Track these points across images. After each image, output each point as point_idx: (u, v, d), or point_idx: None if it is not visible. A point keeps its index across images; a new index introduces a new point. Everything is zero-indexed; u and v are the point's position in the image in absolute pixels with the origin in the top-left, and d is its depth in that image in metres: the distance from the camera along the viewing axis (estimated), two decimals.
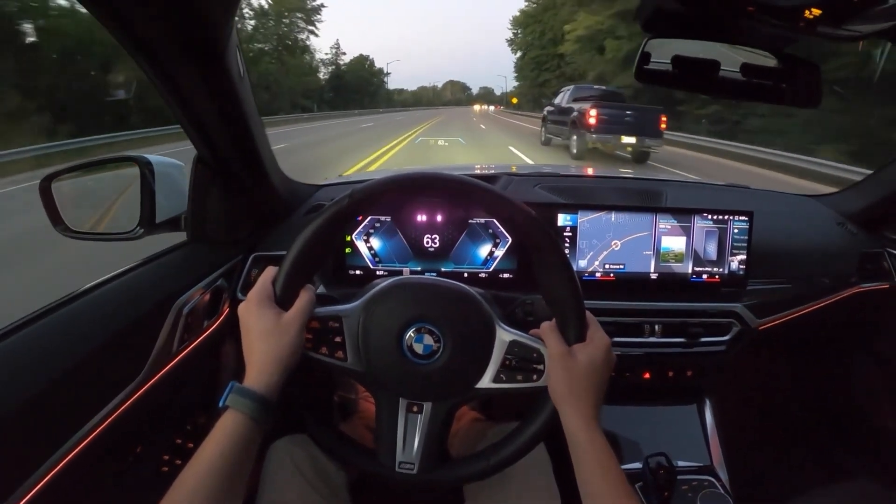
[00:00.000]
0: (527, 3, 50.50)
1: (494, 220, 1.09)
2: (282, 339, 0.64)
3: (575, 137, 10.44)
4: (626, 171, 2.23)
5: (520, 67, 57.57)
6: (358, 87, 68.35)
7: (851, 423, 1.51)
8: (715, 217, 1.11)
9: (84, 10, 0.61)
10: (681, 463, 1.10)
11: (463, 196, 0.68)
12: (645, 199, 1.33)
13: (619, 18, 21.21)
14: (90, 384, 0.69)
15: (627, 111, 9.91)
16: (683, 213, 1.11)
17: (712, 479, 1.11)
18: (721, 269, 1.13)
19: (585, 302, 0.68)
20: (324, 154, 11.57)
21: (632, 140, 9.72)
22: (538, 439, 0.70)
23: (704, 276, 1.13)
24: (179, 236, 1.02)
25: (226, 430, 0.58)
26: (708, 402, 1.25)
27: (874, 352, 1.46)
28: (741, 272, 1.13)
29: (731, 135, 13.00)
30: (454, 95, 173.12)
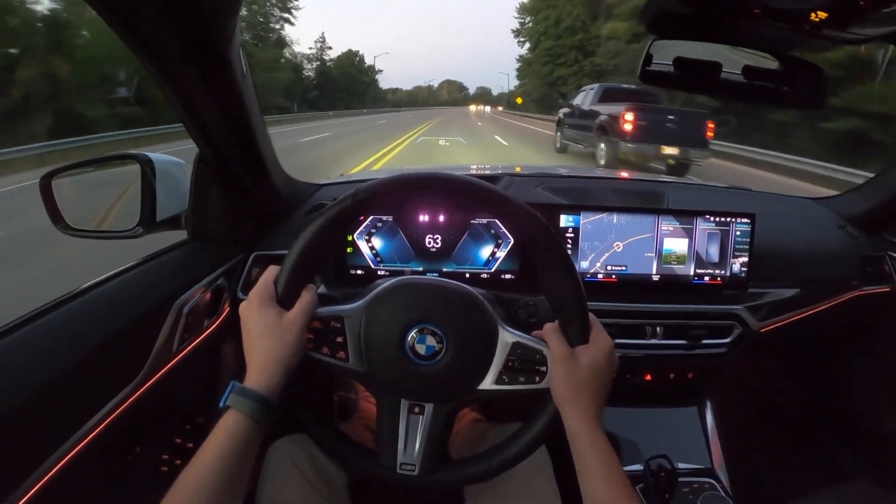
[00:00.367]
0: None
1: (496, 221, 1.08)
2: (283, 339, 0.63)
3: (603, 146, 8.65)
4: (629, 173, 2.23)
5: (528, 62, 49.96)
6: (346, 86, 62.54)
7: (852, 425, 1.51)
8: (717, 219, 1.11)
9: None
10: (681, 465, 1.10)
11: (465, 196, 0.68)
12: (647, 201, 1.33)
13: None
14: (90, 383, 0.68)
15: (669, 115, 8.24)
16: (685, 215, 1.10)
17: (713, 482, 1.11)
18: (723, 272, 1.13)
19: (587, 304, 0.68)
20: None
21: (674, 151, 7.94)
22: (540, 441, 0.70)
23: (706, 279, 1.13)
24: (180, 235, 1.02)
25: (226, 430, 0.58)
26: (709, 405, 1.25)
27: (875, 354, 1.46)
28: (743, 274, 1.13)
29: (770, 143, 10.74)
30: (450, 95, 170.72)
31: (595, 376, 0.65)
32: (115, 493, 0.79)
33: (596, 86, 10.48)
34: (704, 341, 1.12)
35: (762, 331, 1.15)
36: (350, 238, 1.08)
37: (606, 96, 9.55)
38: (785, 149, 9.96)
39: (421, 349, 0.68)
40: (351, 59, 68.78)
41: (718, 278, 1.13)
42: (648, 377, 1.19)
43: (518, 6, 49.87)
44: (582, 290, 0.67)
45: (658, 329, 1.11)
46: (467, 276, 1.09)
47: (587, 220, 1.09)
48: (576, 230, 1.10)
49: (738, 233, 1.12)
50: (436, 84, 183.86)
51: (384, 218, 1.08)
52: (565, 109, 11.35)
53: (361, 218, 1.07)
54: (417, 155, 11.80)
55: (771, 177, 9.13)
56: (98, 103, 13.96)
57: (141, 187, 0.92)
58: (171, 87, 0.76)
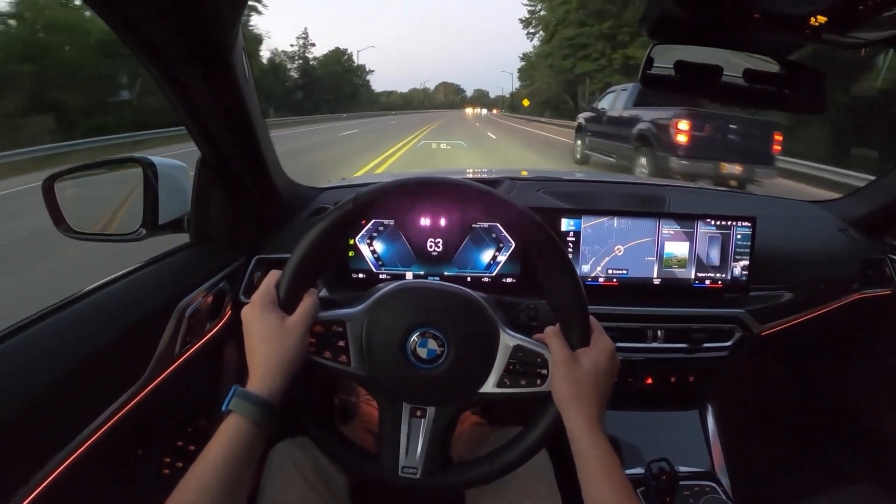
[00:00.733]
0: None
1: (498, 225, 1.08)
2: (285, 344, 0.63)
3: (645, 160, 7.05)
4: (630, 177, 2.24)
5: (541, 56, 41.04)
6: (333, 87, 55.24)
7: (853, 428, 1.51)
8: (718, 223, 1.11)
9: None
10: (683, 468, 1.10)
11: (466, 200, 0.68)
12: (648, 205, 1.33)
13: None
14: (92, 386, 0.68)
15: (732, 125, 6.49)
16: (687, 219, 1.11)
17: (714, 485, 1.11)
18: (724, 275, 1.13)
19: (588, 307, 0.68)
20: None
21: (736, 170, 6.35)
22: (542, 444, 0.70)
23: (707, 282, 1.13)
24: (182, 238, 1.02)
25: (229, 434, 0.58)
26: (710, 408, 1.25)
27: (876, 357, 1.46)
28: (744, 278, 1.13)
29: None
30: (447, 98, 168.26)
31: (596, 379, 0.65)
32: (118, 495, 0.79)
33: (630, 86, 8.43)
34: (705, 345, 1.12)
35: (763, 334, 1.15)
36: (352, 242, 1.09)
37: (645, 98, 7.66)
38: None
39: (422, 353, 0.68)
40: (338, 58, 61.73)
41: (719, 282, 1.13)
42: (649, 381, 1.19)
43: None
44: (582, 293, 0.67)
45: (659, 333, 1.11)
46: (468, 279, 1.09)
47: (588, 223, 1.10)
48: (577, 234, 1.10)
49: (738, 236, 1.12)
50: (432, 86, 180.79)
51: (386, 222, 1.08)
52: (587, 114, 9.80)
53: (363, 222, 1.08)
54: (419, 159, 11.72)
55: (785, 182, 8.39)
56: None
57: (143, 191, 0.93)
58: (174, 90, 0.76)
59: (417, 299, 0.70)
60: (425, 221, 1.08)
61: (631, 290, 1.12)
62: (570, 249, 1.10)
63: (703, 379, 1.21)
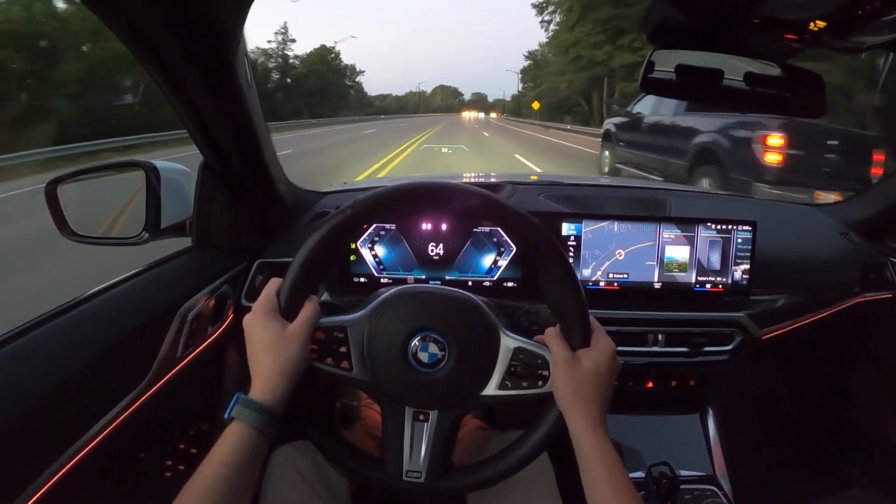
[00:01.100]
0: None
1: (499, 229, 1.09)
2: (287, 351, 0.64)
3: (707, 182, 5.30)
4: (630, 180, 2.24)
5: (560, 48, 32.89)
6: (317, 88, 49.17)
7: (854, 432, 1.51)
8: (718, 227, 1.11)
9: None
10: (683, 472, 1.09)
11: (466, 205, 0.68)
12: (649, 209, 1.33)
13: None
14: (94, 389, 0.69)
15: (831, 140, 4.79)
16: (687, 223, 1.11)
17: (715, 489, 1.11)
18: (724, 279, 1.13)
19: (588, 311, 0.68)
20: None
21: (834, 198, 4.41)
22: (544, 446, 0.70)
23: (708, 286, 1.13)
24: (184, 242, 1.02)
25: (231, 441, 0.58)
26: (710, 412, 1.25)
27: (877, 361, 1.46)
28: (744, 282, 1.13)
29: None
30: (444, 101, 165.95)
31: (598, 379, 0.65)
32: (120, 498, 0.79)
33: None
34: (706, 349, 1.12)
35: (764, 338, 1.15)
36: (353, 246, 1.09)
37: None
38: None
39: (424, 357, 0.68)
40: (323, 56, 54.60)
41: (720, 286, 1.13)
42: (650, 384, 1.19)
43: None
44: (582, 294, 0.67)
45: (660, 336, 1.11)
46: (470, 283, 1.10)
47: (589, 228, 1.10)
48: (578, 238, 1.10)
49: (739, 240, 1.12)
50: (429, 90, 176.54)
51: (387, 226, 1.08)
52: (619, 119, 8.09)
53: (364, 226, 1.08)
54: (420, 163, 11.61)
55: None
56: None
57: (146, 194, 0.93)
58: (177, 94, 0.77)
59: (417, 304, 0.71)
60: (427, 226, 1.08)
61: (632, 294, 1.12)
62: (571, 253, 1.10)
63: (704, 383, 1.21)
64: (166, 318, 0.83)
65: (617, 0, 23.41)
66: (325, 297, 1.05)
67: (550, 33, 37.60)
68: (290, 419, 0.66)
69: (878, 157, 4.81)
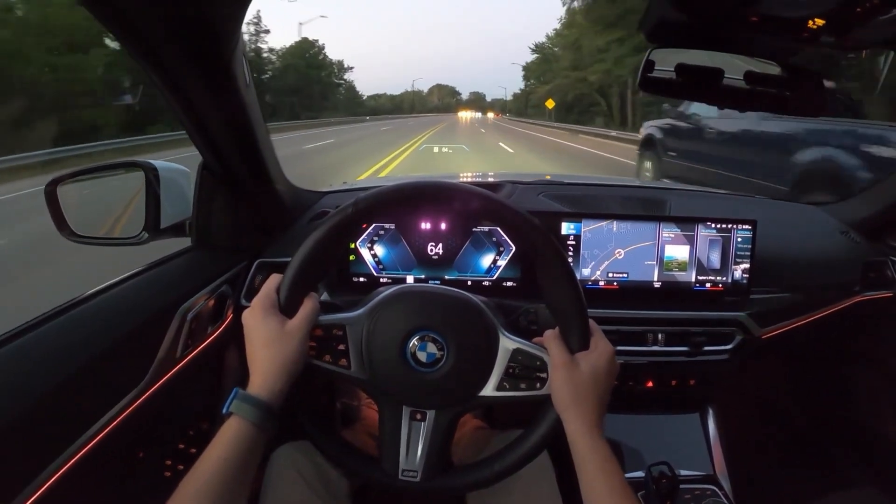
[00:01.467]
0: None
1: (498, 229, 1.09)
2: (286, 347, 0.64)
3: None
4: (630, 179, 2.24)
5: (589, 30, 27.95)
6: (297, 87, 43.81)
7: (855, 431, 1.51)
8: (718, 226, 1.11)
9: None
10: (683, 472, 1.09)
11: (465, 204, 0.69)
12: (649, 208, 1.33)
13: None
14: (94, 388, 0.69)
15: None
16: (687, 222, 1.11)
17: (715, 489, 1.10)
18: (724, 278, 1.13)
19: (588, 310, 0.68)
20: None
21: None
22: (542, 447, 0.70)
23: (708, 285, 1.13)
24: (184, 242, 1.02)
25: (229, 436, 0.58)
26: (711, 411, 1.25)
27: (877, 360, 1.45)
28: (744, 281, 1.13)
29: None
30: (441, 101, 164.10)
31: (596, 382, 0.65)
32: (119, 498, 0.79)
33: None
34: (706, 348, 1.12)
35: (764, 337, 1.15)
36: (352, 246, 1.09)
37: None
38: None
39: (422, 356, 0.68)
40: (304, 51, 48.35)
41: (720, 285, 1.13)
42: (650, 384, 1.19)
43: None
44: (581, 296, 0.67)
45: (660, 336, 1.11)
46: (469, 283, 1.10)
47: (588, 227, 1.10)
48: (577, 238, 1.10)
49: (739, 239, 1.12)
50: (425, 89, 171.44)
51: (386, 226, 1.08)
52: (665, 122, 6.35)
53: (364, 226, 1.08)
54: (421, 163, 11.49)
55: None
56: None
57: (145, 194, 0.93)
58: (175, 95, 0.77)
59: (416, 303, 0.71)
60: (426, 225, 1.08)
61: (631, 293, 1.12)
62: (570, 253, 1.10)
63: (704, 382, 1.21)
64: (166, 317, 0.83)
65: None
66: (324, 296, 1.05)
67: (561, 19, 33.38)
68: (289, 419, 0.66)
69: None
